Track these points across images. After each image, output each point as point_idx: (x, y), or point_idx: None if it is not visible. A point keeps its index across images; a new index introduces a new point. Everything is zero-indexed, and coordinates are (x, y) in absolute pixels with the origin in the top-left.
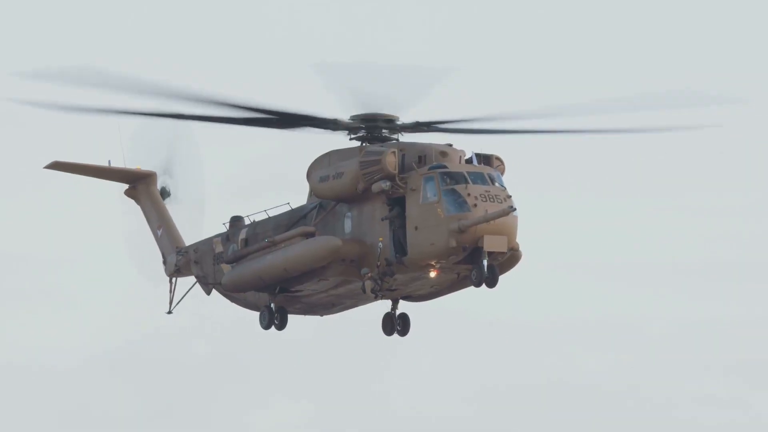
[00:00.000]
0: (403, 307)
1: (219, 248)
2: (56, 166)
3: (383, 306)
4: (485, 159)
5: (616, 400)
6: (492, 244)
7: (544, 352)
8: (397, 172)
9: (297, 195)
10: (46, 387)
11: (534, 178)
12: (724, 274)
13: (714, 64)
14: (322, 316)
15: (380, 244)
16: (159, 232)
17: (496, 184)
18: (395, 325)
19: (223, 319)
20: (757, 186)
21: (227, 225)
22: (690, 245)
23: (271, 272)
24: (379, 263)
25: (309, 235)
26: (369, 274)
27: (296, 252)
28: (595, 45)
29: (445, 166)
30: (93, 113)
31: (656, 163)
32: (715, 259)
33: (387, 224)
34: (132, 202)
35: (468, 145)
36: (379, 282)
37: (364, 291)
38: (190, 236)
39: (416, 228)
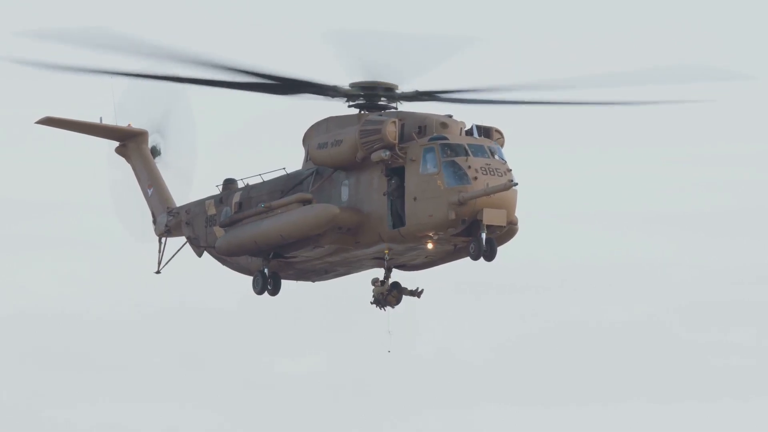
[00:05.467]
0: (396, 276)
1: (212, 210)
2: (48, 121)
3: (375, 274)
4: (485, 131)
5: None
6: (491, 217)
7: (562, 299)
8: (397, 141)
9: (291, 160)
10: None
11: (539, 141)
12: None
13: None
14: (314, 282)
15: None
16: (149, 191)
17: (497, 157)
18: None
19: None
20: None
21: (220, 187)
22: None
23: (267, 238)
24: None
25: (306, 202)
26: (378, 282)
27: (294, 219)
28: (598, 16)
29: (445, 138)
30: (88, 73)
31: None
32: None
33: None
34: (122, 160)
35: (468, 117)
36: (384, 295)
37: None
38: (180, 196)
39: (415, 199)
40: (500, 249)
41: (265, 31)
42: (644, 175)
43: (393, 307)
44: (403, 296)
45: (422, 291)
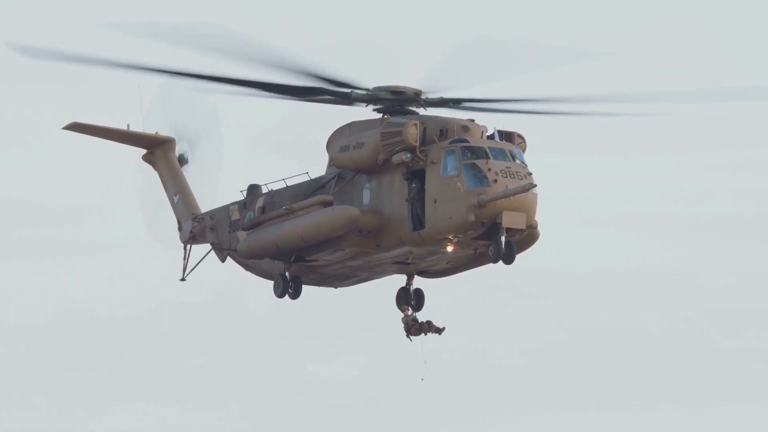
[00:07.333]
0: (418, 282)
1: (235, 216)
2: (75, 127)
3: (398, 280)
4: (507, 136)
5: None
6: (510, 220)
7: (573, 305)
8: (418, 144)
9: (316, 166)
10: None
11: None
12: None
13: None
14: (336, 288)
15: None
16: (175, 199)
17: (517, 161)
18: (410, 300)
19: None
20: None
21: (244, 193)
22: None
23: (288, 240)
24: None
25: (327, 204)
26: (407, 311)
27: (314, 220)
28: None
29: (466, 140)
30: (114, 67)
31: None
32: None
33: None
34: (149, 167)
35: (490, 122)
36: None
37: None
38: (205, 204)
39: (435, 201)
40: (521, 255)
41: (286, 35)
42: (658, 182)
43: (426, 335)
44: (425, 332)
45: (444, 329)
